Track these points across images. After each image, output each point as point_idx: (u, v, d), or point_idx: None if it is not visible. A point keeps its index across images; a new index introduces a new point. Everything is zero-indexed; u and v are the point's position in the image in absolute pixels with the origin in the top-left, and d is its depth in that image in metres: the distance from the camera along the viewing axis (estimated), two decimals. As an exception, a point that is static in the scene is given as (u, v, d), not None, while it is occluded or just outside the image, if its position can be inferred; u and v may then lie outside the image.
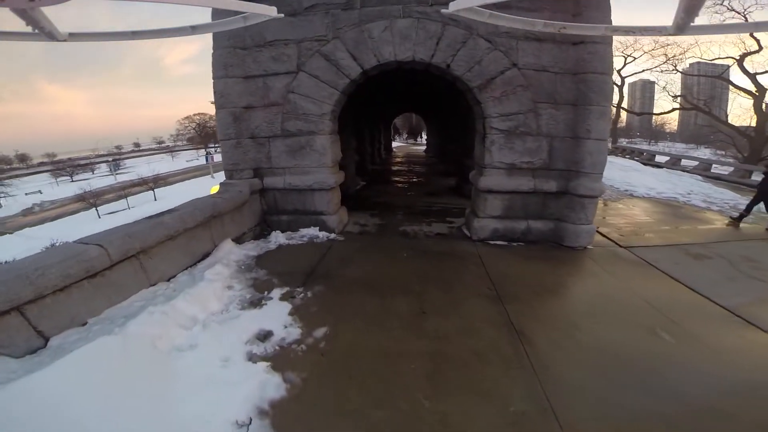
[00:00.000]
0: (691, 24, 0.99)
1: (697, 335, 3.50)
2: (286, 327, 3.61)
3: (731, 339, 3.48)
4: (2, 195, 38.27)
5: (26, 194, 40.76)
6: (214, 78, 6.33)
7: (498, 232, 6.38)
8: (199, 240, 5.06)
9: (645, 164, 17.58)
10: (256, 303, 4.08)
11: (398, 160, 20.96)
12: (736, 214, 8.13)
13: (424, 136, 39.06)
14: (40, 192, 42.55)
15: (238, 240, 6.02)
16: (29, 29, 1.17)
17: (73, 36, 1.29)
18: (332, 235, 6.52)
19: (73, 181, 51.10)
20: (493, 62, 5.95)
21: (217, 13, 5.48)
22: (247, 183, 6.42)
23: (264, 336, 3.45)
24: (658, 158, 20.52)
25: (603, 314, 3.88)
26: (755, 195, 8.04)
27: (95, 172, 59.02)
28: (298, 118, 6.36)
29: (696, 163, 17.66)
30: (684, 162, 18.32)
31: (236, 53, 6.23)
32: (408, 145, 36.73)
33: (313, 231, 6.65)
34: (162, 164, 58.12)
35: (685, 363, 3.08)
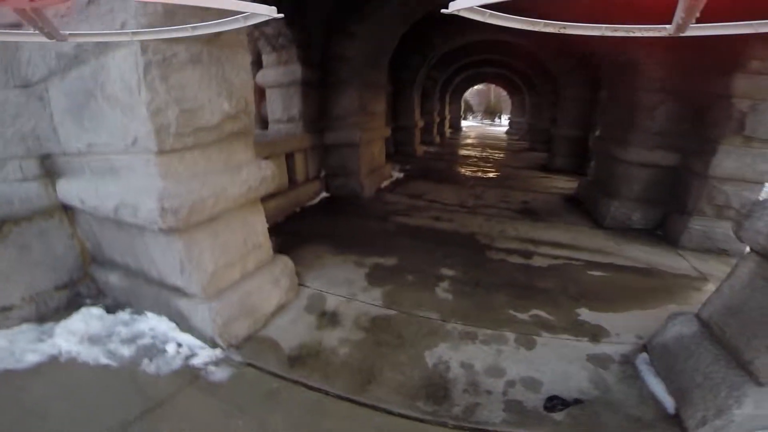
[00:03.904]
0: (691, 24, 0.91)
1: None
2: None
3: None
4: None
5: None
6: None
7: None
8: None
9: None
10: None
11: (468, 141, 15.57)
12: None
13: (504, 117, 32.36)
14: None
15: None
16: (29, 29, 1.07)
17: (73, 36, 1.15)
18: (206, 354, 2.30)
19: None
20: None
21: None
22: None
23: None
24: None
25: None
26: None
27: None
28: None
29: None
30: None
31: None
32: (482, 126, 30.53)
33: (164, 328, 2.49)
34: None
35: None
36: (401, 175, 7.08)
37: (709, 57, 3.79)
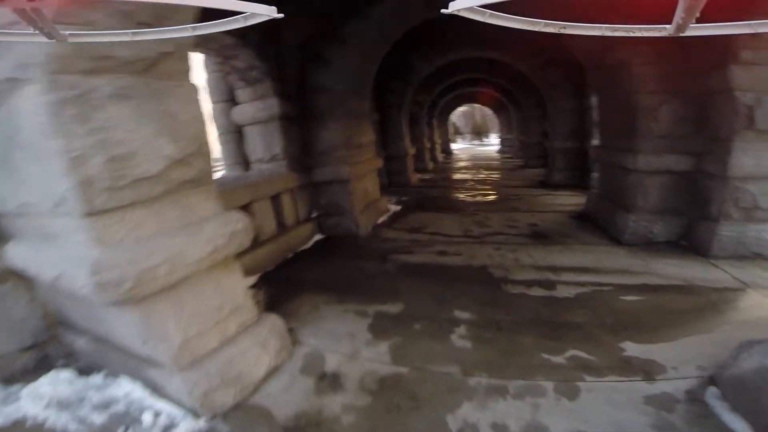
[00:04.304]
0: (691, 24, 0.97)
1: None
2: None
3: None
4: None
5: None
6: None
7: None
8: None
9: None
10: None
11: (462, 165, 15.55)
12: None
13: (492, 136, 32.95)
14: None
15: None
16: (29, 29, 1.06)
17: (73, 36, 1.14)
18: (187, 425, 2.01)
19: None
20: None
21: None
22: None
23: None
24: None
25: None
26: None
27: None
28: None
29: None
30: None
31: None
32: (473, 147, 30.92)
33: (140, 394, 2.24)
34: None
35: None
36: (398, 207, 6.84)
37: (699, 51, 3.68)
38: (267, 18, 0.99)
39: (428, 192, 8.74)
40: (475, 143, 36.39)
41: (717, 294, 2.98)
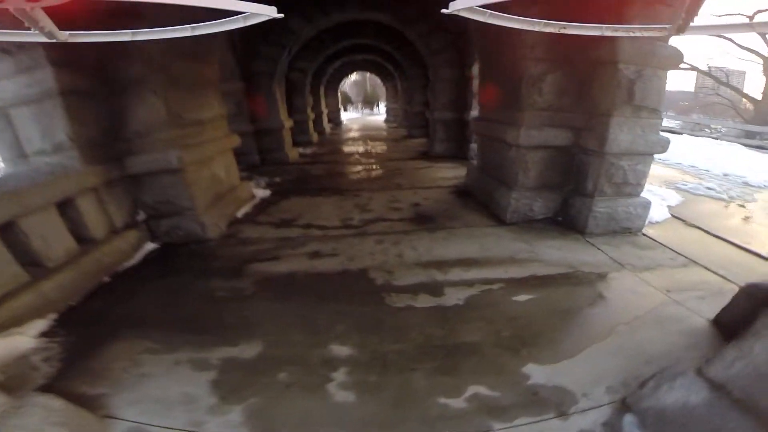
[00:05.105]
0: (691, 24, 1.07)
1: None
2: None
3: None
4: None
5: None
6: None
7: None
8: None
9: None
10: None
11: (350, 136, 14.77)
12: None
13: (382, 105, 32.93)
14: None
15: None
16: (29, 29, 1.21)
17: (74, 36, 1.30)
18: None
19: None
20: None
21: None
22: None
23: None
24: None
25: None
26: None
27: None
28: None
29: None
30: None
31: None
32: (363, 116, 30.36)
33: None
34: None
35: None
36: (267, 192, 5.70)
37: (593, 19, 3.45)
38: (267, 18, 1.10)
39: (308, 170, 7.72)
40: (366, 112, 35.92)
41: (602, 282, 2.89)
